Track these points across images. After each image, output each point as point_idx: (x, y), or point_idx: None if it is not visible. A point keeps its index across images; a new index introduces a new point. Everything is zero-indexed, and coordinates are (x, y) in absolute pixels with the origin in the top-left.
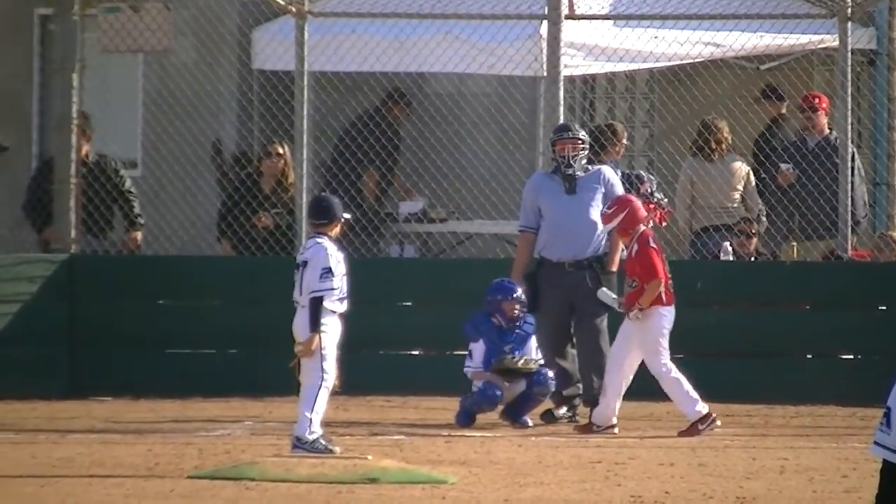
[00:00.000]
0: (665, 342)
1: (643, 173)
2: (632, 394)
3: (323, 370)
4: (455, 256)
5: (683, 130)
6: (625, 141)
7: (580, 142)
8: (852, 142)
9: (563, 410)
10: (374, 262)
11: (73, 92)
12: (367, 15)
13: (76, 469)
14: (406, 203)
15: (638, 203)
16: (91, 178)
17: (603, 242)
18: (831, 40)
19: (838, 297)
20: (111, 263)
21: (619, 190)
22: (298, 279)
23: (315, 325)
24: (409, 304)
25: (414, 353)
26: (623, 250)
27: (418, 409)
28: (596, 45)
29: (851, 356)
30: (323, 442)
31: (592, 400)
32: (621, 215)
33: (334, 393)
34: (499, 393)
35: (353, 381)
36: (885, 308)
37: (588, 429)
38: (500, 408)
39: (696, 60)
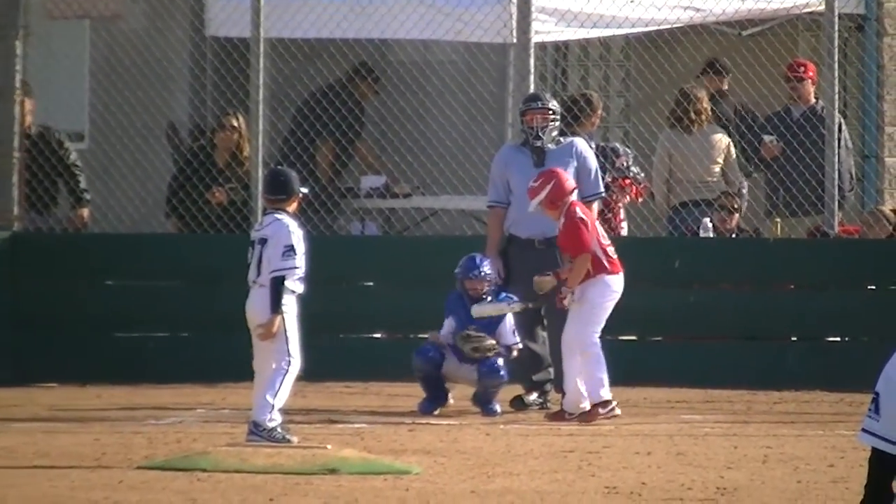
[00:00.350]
0: (603, 315)
1: (619, 146)
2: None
3: (289, 354)
4: (420, 234)
5: (661, 100)
6: (600, 112)
7: (550, 112)
8: (839, 112)
9: (533, 396)
10: (334, 239)
11: (17, 60)
12: None
13: (19, 460)
14: (368, 177)
15: (564, 175)
16: (35, 151)
17: None
18: (817, 4)
19: (825, 277)
20: (56, 242)
21: (593, 163)
22: (255, 257)
23: (277, 305)
24: (371, 284)
25: (376, 336)
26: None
27: (380, 395)
28: (568, 10)
29: (838, 339)
30: (281, 431)
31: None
32: (547, 188)
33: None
34: (433, 355)
35: (312, 366)
36: (874, 288)
37: (560, 416)
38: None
39: (675, 26)
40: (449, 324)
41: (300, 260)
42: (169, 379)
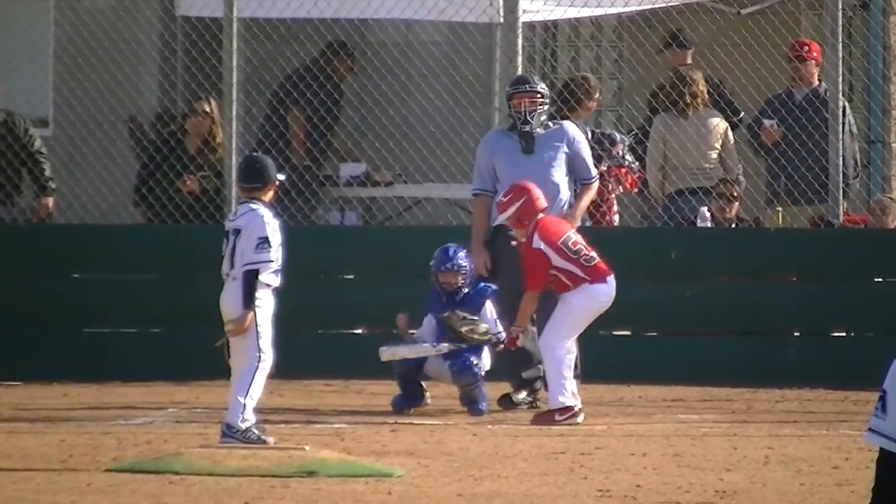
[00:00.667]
0: (580, 321)
1: (615, 134)
2: (599, 377)
3: (259, 350)
4: (402, 224)
5: (655, 83)
6: (598, 95)
7: (539, 95)
8: (843, 95)
9: (522, 395)
10: (312, 230)
11: None
12: None
13: None
14: (347, 165)
15: (536, 192)
16: None
17: (566, 207)
18: None
19: (829, 268)
20: (20, 232)
21: (585, 149)
22: (228, 249)
23: (249, 300)
24: (351, 276)
25: (356, 331)
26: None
27: (362, 394)
28: None
29: (843, 333)
30: (256, 431)
31: None
32: (516, 204)
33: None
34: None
35: (289, 363)
36: (880, 280)
37: (549, 416)
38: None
39: (670, 4)
40: (429, 321)
41: (275, 252)
42: (139, 377)
